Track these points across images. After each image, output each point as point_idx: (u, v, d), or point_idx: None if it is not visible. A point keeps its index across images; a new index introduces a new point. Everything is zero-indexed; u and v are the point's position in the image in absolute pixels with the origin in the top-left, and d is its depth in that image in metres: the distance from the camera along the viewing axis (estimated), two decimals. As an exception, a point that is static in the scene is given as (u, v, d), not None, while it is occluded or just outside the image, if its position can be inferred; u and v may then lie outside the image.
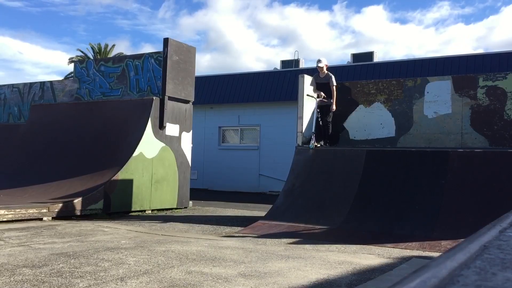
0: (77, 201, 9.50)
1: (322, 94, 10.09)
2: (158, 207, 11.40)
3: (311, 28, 78.59)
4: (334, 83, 10.08)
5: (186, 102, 12.26)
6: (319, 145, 9.81)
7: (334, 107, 9.97)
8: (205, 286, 4.30)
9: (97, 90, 12.91)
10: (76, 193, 9.98)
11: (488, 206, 7.52)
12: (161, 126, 11.47)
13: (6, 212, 8.34)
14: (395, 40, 75.78)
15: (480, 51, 43.64)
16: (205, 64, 74.67)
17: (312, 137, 9.73)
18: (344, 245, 6.86)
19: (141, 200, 10.91)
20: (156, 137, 11.32)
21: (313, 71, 17.51)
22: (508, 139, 9.53)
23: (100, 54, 36.98)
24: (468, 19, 76.59)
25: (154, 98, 11.43)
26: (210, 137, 21.38)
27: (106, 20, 75.36)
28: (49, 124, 13.02)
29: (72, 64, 19.19)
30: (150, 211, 11.14)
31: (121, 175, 10.41)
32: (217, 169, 20.87)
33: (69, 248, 6.00)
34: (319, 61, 10.17)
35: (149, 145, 11.11)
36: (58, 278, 4.41)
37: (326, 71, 10.20)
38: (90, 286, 4.16)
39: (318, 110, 10.05)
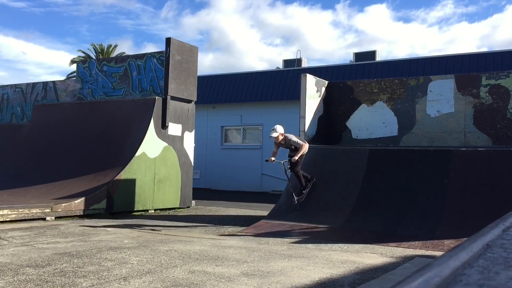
0: (80, 201, 9.52)
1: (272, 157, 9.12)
2: (161, 207, 11.41)
3: (314, 27, 78.52)
4: (299, 141, 8.80)
5: (189, 101, 12.27)
6: (303, 199, 8.87)
7: (296, 157, 8.62)
8: (208, 285, 4.31)
9: (100, 90, 12.92)
10: (79, 193, 10.00)
11: (491, 205, 7.50)
12: (164, 126, 11.48)
13: (9, 212, 8.37)
14: (398, 39, 75.63)
15: (484, 49, 43.52)
16: (208, 63, 74.67)
17: (293, 195, 8.85)
18: (347, 245, 6.86)
19: (143, 200, 10.92)
20: (158, 136, 11.33)
21: (316, 71, 17.54)
22: (511, 138, 9.51)
23: (102, 54, 37.01)
24: (472, 18, 76.39)
25: (156, 98, 11.44)
26: (213, 136, 21.39)
27: (109, 20, 75.46)
28: (52, 124, 13.04)
29: (74, 65, 19.23)
30: (153, 211, 11.16)
31: (124, 175, 10.43)
32: (219, 168, 20.88)
33: (72, 248, 6.01)
34: (272, 130, 8.84)
35: (151, 144, 11.12)
36: (62, 277, 4.42)
37: (283, 136, 8.81)
38: (93, 285, 4.17)
39: (289, 167, 8.93)
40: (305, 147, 8.75)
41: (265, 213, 9.85)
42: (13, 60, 74.99)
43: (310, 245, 6.80)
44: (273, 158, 8.92)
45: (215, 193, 18.33)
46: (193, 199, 12.54)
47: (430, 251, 6.52)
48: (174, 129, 11.81)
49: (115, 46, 38.70)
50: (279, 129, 8.80)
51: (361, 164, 9.18)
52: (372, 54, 22.02)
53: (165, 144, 11.53)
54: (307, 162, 9.93)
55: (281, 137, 8.77)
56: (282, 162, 8.88)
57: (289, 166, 8.90)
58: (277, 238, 7.37)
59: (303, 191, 8.93)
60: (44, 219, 8.83)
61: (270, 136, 8.82)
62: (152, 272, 4.77)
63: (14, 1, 65.12)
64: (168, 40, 11.72)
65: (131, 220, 9.47)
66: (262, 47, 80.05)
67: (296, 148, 8.78)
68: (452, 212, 7.76)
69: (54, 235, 7.14)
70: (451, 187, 8.13)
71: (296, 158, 8.57)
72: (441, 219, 7.68)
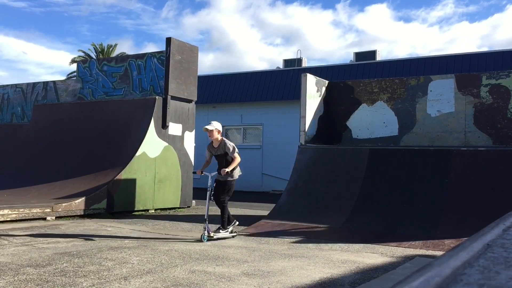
0: (81, 201, 9.52)
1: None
2: (161, 207, 11.41)
3: (314, 27, 78.48)
4: (234, 153, 7.25)
5: (189, 101, 12.27)
6: (214, 236, 7.05)
7: (228, 169, 7.03)
8: (208, 285, 4.31)
9: (100, 90, 12.93)
10: (79, 193, 10.00)
11: (492, 205, 7.50)
12: (164, 126, 11.48)
13: (10, 212, 8.37)
14: (399, 39, 75.59)
15: (485, 49, 43.49)
16: (208, 63, 74.64)
17: (205, 226, 6.97)
18: (347, 244, 6.86)
19: (144, 200, 10.92)
20: (159, 136, 11.33)
21: (316, 71, 17.53)
22: (511, 138, 9.50)
23: (103, 54, 37.02)
24: (472, 17, 76.31)
25: (156, 97, 11.44)
26: (213, 136, 21.38)
27: (110, 20, 75.44)
28: (52, 124, 13.05)
29: (74, 65, 19.23)
30: (153, 211, 11.16)
31: (124, 174, 10.43)
32: (220, 168, 20.87)
33: (73, 248, 6.01)
34: (209, 123, 7.37)
35: (152, 144, 11.12)
36: (62, 277, 4.43)
37: (218, 138, 7.32)
38: (94, 285, 4.18)
39: (214, 186, 7.35)
40: (239, 160, 7.31)
41: (266, 213, 9.85)
42: (13, 60, 75.02)
43: (310, 245, 6.80)
44: (201, 170, 7.35)
45: (216, 193, 18.31)
46: (194, 198, 12.54)
47: (430, 250, 6.52)
48: (174, 128, 11.81)
49: (115, 45, 38.71)
50: (216, 124, 7.36)
51: (361, 164, 9.18)
52: (372, 53, 22.00)
53: (166, 144, 11.53)
54: (306, 163, 9.94)
55: (216, 134, 7.27)
56: (210, 174, 7.20)
57: (213, 186, 7.26)
58: (278, 238, 7.37)
59: (221, 231, 7.23)
60: (44, 219, 8.84)
61: (205, 128, 7.24)
62: (153, 271, 4.77)
63: (15, 1, 65.14)
64: (168, 40, 11.73)
65: (132, 220, 9.47)
66: (262, 47, 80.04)
67: (227, 160, 7.27)
68: (452, 211, 7.76)
69: (54, 235, 7.14)
70: (451, 187, 8.13)
71: (227, 170, 6.97)
72: (441, 218, 7.69)
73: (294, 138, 15.24)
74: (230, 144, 7.28)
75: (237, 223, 7.66)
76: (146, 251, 5.90)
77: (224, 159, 7.29)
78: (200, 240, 6.85)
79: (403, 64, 18.37)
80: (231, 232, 7.45)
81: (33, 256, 5.37)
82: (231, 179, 7.30)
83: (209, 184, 7.19)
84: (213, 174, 7.21)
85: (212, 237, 7.00)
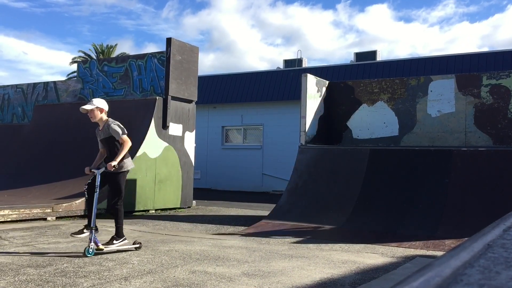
0: (81, 201, 9.52)
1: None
2: (162, 207, 11.41)
3: (314, 27, 78.52)
4: (122, 135, 5.93)
5: (189, 101, 12.27)
6: (105, 249, 5.60)
7: (114, 163, 5.68)
8: (208, 285, 4.31)
9: (100, 90, 12.93)
10: (80, 193, 9.99)
11: (492, 205, 7.50)
12: (164, 126, 11.48)
13: (10, 212, 8.37)
14: (399, 39, 75.61)
15: (485, 49, 43.49)
16: (209, 63, 74.72)
17: (91, 236, 5.48)
18: (347, 244, 6.86)
19: (144, 200, 10.92)
20: (159, 137, 11.34)
21: (316, 71, 17.53)
22: (512, 138, 9.50)
23: (103, 54, 37.06)
24: (473, 18, 76.36)
25: (157, 98, 11.44)
26: (214, 136, 21.40)
27: (110, 20, 75.51)
28: (53, 124, 13.05)
29: (75, 65, 19.24)
30: (153, 211, 11.16)
31: (125, 175, 10.42)
32: (220, 168, 20.88)
33: (73, 248, 6.01)
34: (89, 102, 6.04)
35: (152, 145, 11.12)
36: (63, 277, 4.43)
37: (103, 118, 6.05)
38: (94, 285, 4.18)
39: (97, 185, 5.67)
40: (129, 144, 5.94)
41: (266, 213, 9.85)
42: (14, 60, 75.08)
43: (311, 245, 6.80)
44: (89, 168, 5.88)
45: (216, 193, 18.34)
46: (194, 199, 12.54)
47: (431, 251, 6.52)
48: (175, 129, 11.81)
49: (115, 45, 38.77)
50: (98, 101, 5.98)
51: (361, 164, 9.18)
52: (373, 54, 22.01)
53: (166, 144, 11.53)
54: (307, 163, 9.93)
55: (100, 115, 5.95)
56: (98, 172, 5.77)
57: (97, 190, 5.63)
58: (278, 238, 7.37)
59: (114, 241, 5.76)
60: (45, 219, 8.84)
61: (83, 109, 5.87)
62: (153, 272, 4.77)
63: (15, 2, 65.21)
64: (168, 40, 11.73)
65: (132, 220, 9.47)
66: (262, 47, 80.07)
67: (114, 145, 5.99)
68: (453, 211, 7.76)
69: (55, 235, 7.14)
70: (451, 187, 8.13)
71: (114, 163, 5.66)
72: (442, 218, 7.69)
73: (294, 138, 15.24)
74: (115, 124, 5.96)
75: (127, 241, 5.96)
76: (146, 252, 5.90)
77: (112, 144, 5.98)
78: (84, 255, 5.40)
79: (403, 64, 18.37)
80: (135, 243, 5.99)
81: (34, 257, 5.37)
82: (121, 171, 5.87)
83: (97, 184, 5.68)
84: (101, 170, 5.78)
85: (102, 249, 5.56)
